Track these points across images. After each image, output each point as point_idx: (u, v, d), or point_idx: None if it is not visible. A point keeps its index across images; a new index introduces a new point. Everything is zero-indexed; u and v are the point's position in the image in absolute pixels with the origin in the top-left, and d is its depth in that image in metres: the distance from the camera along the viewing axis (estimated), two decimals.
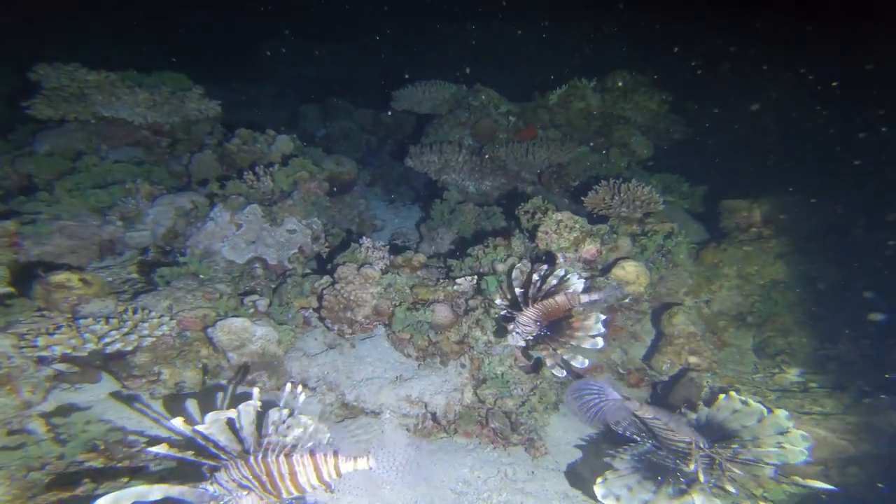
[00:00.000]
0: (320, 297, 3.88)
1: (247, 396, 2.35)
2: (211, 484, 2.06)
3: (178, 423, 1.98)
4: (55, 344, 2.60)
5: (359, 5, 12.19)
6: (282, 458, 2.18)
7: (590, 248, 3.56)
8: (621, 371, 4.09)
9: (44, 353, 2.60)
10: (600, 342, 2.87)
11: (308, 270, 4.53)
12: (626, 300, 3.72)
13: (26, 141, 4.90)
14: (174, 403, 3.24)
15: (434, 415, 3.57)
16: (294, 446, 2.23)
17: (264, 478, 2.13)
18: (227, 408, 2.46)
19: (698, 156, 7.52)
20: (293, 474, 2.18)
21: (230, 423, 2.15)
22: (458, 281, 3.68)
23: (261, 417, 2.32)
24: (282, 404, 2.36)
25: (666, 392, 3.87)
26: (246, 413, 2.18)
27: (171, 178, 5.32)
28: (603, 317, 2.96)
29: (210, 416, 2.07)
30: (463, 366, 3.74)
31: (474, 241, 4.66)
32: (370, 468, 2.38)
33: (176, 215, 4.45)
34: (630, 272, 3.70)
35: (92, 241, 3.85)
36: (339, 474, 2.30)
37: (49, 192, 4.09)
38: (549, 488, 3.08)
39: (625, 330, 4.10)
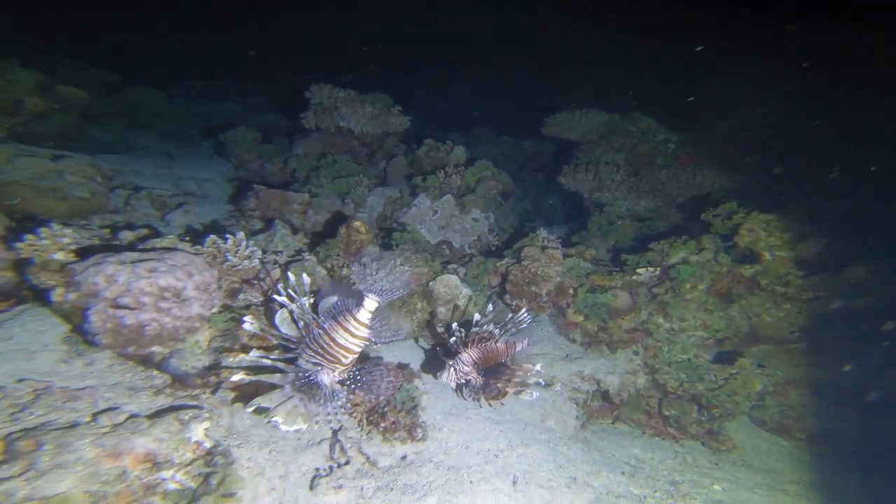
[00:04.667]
0: (504, 276, 4.45)
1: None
2: (295, 371, 2.48)
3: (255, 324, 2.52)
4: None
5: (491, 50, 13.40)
6: (320, 331, 2.54)
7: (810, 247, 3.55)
8: None
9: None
10: (535, 394, 2.96)
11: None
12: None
13: (284, 147, 6.63)
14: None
15: (606, 393, 3.77)
16: (324, 321, 2.55)
17: (321, 350, 2.49)
18: None
19: None
20: (333, 339, 2.50)
21: (291, 315, 2.61)
22: (638, 270, 3.93)
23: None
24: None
25: None
26: (305, 309, 2.57)
27: (373, 178, 6.58)
28: (537, 368, 3.03)
29: (278, 317, 2.56)
30: (635, 353, 3.91)
31: (630, 251, 4.86)
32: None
33: (386, 202, 5.52)
34: None
35: (340, 215, 5.04)
36: (366, 325, 2.50)
37: (307, 181, 5.50)
38: (741, 479, 3.04)
39: None
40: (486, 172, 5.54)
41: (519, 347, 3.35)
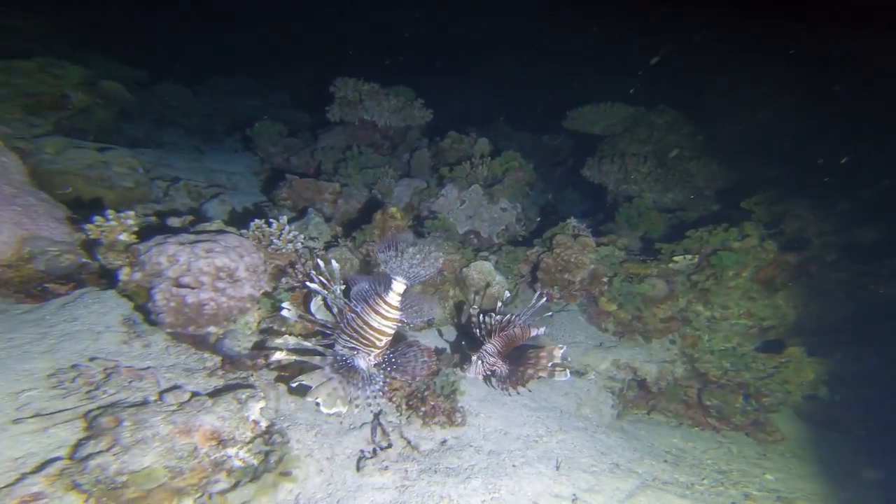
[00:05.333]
0: (534, 264, 4.41)
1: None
2: (333, 356, 2.52)
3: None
4: None
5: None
6: (353, 315, 2.57)
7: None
8: None
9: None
10: (566, 375, 2.96)
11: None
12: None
13: (309, 141, 6.70)
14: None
15: (643, 381, 3.71)
16: (355, 305, 2.60)
17: (355, 334, 2.53)
18: None
19: None
20: (366, 323, 2.52)
21: (325, 302, 2.64)
22: (675, 258, 3.85)
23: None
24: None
25: None
26: (337, 295, 2.61)
27: (398, 170, 6.59)
28: (561, 350, 3.02)
29: (313, 304, 2.60)
30: (672, 342, 3.84)
31: (660, 242, 4.76)
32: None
33: (413, 193, 5.52)
34: None
35: (373, 202, 5.08)
36: (396, 307, 2.52)
37: (334, 173, 5.55)
38: (793, 469, 2.96)
39: None
40: (514, 163, 5.51)
41: (534, 332, 3.36)
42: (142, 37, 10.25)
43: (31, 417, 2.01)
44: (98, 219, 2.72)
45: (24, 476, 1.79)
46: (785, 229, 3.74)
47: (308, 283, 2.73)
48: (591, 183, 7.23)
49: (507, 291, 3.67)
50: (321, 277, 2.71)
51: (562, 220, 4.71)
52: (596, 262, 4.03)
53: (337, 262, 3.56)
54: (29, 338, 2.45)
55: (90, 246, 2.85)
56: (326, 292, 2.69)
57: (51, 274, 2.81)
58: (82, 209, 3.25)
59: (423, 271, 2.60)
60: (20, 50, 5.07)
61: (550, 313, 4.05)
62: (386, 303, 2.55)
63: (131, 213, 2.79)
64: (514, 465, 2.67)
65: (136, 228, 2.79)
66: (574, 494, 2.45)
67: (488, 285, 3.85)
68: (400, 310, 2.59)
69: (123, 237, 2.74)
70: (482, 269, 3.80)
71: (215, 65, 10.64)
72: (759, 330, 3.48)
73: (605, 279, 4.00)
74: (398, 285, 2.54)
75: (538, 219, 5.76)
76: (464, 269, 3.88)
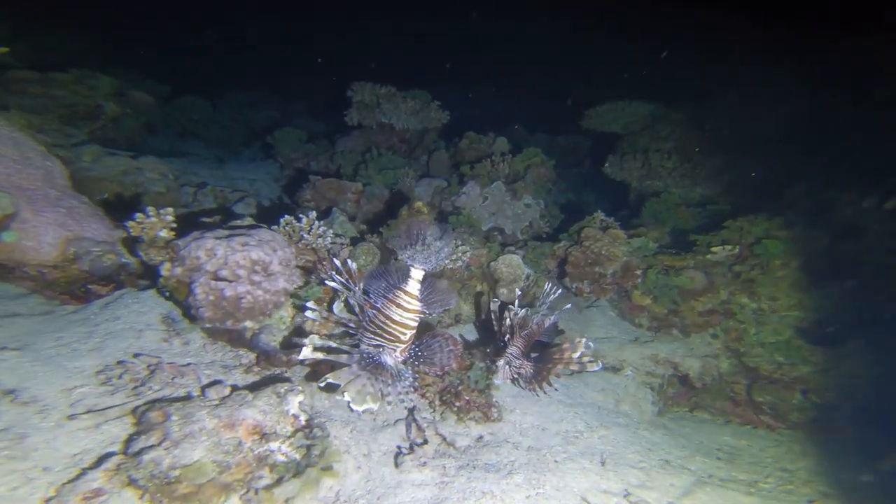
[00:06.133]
0: (562, 259, 4.30)
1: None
2: (359, 354, 2.47)
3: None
4: None
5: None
6: (374, 311, 2.49)
7: None
8: None
9: None
10: (598, 364, 2.83)
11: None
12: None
13: (327, 146, 6.78)
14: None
15: (685, 377, 3.55)
16: (376, 300, 2.53)
17: (378, 330, 2.47)
18: None
19: None
20: (388, 317, 2.45)
21: (348, 304, 2.60)
22: (713, 249, 3.71)
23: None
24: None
25: None
26: (356, 293, 2.57)
27: (417, 171, 6.58)
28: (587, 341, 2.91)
29: (336, 306, 2.57)
30: (714, 336, 3.67)
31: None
32: None
33: (434, 192, 5.48)
34: None
35: (398, 196, 5.08)
36: (416, 297, 2.45)
37: (354, 176, 5.56)
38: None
39: None
40: (536, 159, 5.43)
41: (548, 322, 3.27)
42: (163, 52, 10.55)
43: (85, 413, 2.05)
44: (139, 216, 2.76)
45: (84, 471, 1.81)
46: (835, 217, 3.56)
47: (326, 282, 2.69)
48: (612, 182, 7.10)
49: (519, 292, 3.55)
50: (340, 277, 2.67)
51: (588, 214, 4.62)
52: (629, 254, 3.90)
53: (364, 256, 3.53)
54: (76, 336, 2.52)
55: (131, 243, 2.90)
56: (348, 292, 2.65)
57: (94, 274, 2.87)
58: (118, 213, 3.31)
59: (439, 257, 2.55)
60: (54, 63, 5.25)
61: (570, 305, 3.93)
62: (406, 293, 2.49)
63: (170, 209, 2.81)
64: (556, 461, 2.54)
65: (174, 225, 2.82)
66: (625, 490, 2.31)
67: (517, 279, 3.76)
68: (420, 300, 2.53)
69: (163, 233, 2.78)
70: (511, 263, 3.71)
71: (233, 78, 10.89)
72: (810, 322, 3.28)
73: (637, 272, 3.86)
74: (417, 272, 2.48)
75: (563, 216, 5.65)
76: (492, 263, 3.79)
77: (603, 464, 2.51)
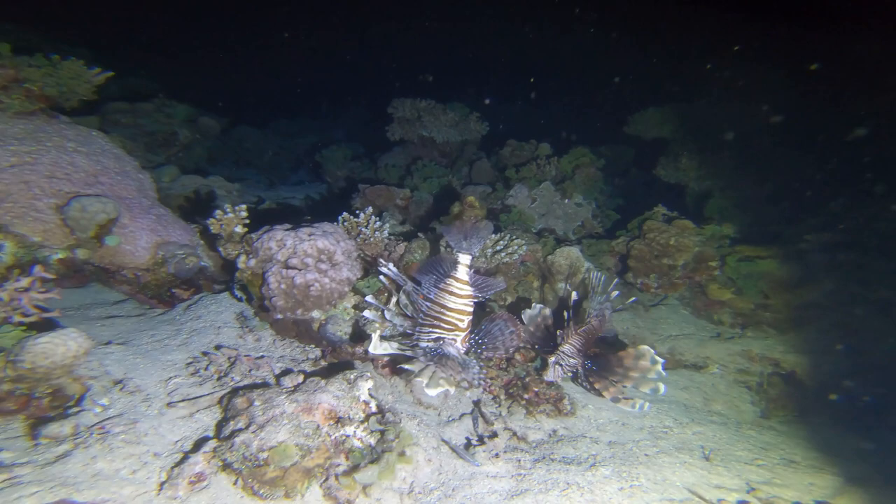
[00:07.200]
0: (623, 254, 4.07)
1: None
2: (423, 351, 2.39)
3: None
4: None
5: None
6: (428, 304, 2.44)
7: None
8: None
9: None
10: (662, 388, 2.44)
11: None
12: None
13: (369, 165, 7.03)
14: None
15: (791, 375, 3.15)
16: (428, 292, 2.47)
17: (436, 321, 2.41)
18: None
19: None
20: (443, 306, 2.40)
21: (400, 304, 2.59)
22: (806, 237, 3.37)
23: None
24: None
25: None
26: (405, 292, 2.58)
27: (461, 180, 6.60)
28: (654, 354, 2.53)
29: (388, 313, 2.53)
30: (821, 330, 3.27)
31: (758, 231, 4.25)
32: None
33: (479, 197, 5.43)
34: None
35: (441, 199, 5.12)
36: (466, 282, 2.40)
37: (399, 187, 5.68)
38: None
39: None
40: (584, 159, 5.30)
41: (607, 314, 3.02)
42: (216, 84, 11.43)
43: (182, 402, 2.18)
44: (218, 212, 2.91)
45: (187, 455, 1.91)
46: None
47: (382, 269, 2.65)
48: (665, 186, 6.80)
49: (566, 287, 3.35)
50: (391, 274, 2.64)
51: (648, 209, 4.39)
52: (701, 244, 3.62)
53: (420, 251, 3.48)
54: (166, 334, 2.72)
55: (212, 240, 3.07)
56: (402, 285, 2.62)
57: (178, 276, 3.08)
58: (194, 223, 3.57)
59: (481, 239, 2.55)
60: (141, 92, 5.81)
61: (634, 298, 3.65)
62: (456, 279, 2.46)
63: (244, 205, 2.94)
64: (646, 455, 2.28)
65: (248, 221, 2.96)
66: (748, 486, 2.02)
67: (577, 271, 3.56)
68: (471, 284, 2.49)
69: (239, 229, 2.92)
70: (570, 255, 3.54)
71: (277, 107, 11.64)
72: None
73: (713, 263, 3.55)
74: (464, 258, 2.49)
75: (618, 216, 5.42)
76: (549, 257, 3.63)
77: (707, 458, 2.23)
